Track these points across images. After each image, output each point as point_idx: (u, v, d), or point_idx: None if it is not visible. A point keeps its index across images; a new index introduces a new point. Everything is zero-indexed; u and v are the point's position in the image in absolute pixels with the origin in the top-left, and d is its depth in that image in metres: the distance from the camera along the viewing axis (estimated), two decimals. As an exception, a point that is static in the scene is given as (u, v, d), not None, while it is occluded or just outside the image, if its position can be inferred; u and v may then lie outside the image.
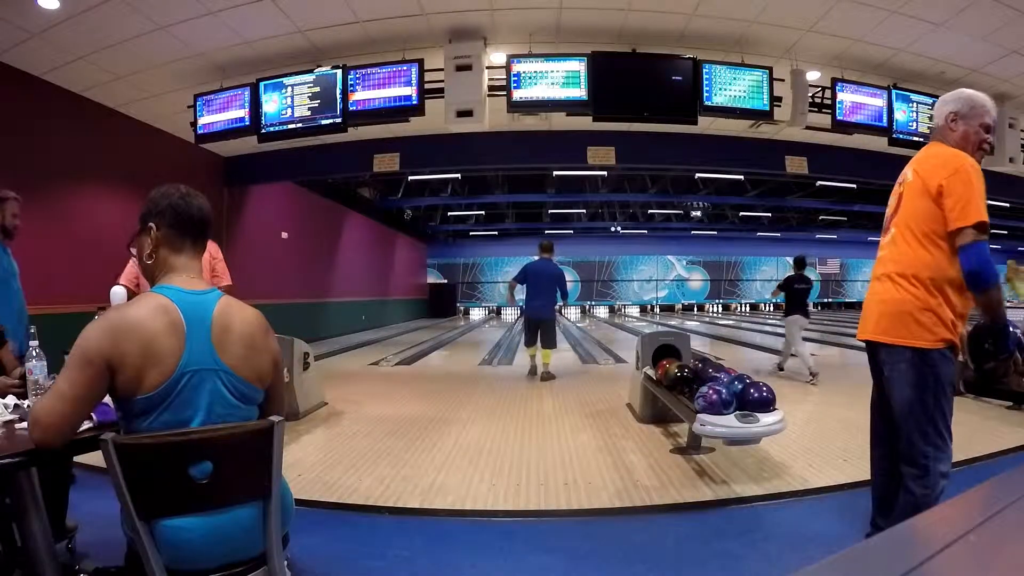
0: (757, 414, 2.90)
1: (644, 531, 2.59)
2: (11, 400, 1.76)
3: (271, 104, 5.79)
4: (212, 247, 3.46)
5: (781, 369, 7.06)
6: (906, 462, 1.91)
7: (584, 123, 6.09)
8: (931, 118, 2.23)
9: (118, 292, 2.07)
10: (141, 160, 6.92)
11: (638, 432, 4.21)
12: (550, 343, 6.71)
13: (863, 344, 2.13)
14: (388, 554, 2.38)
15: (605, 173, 12.63)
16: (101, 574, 2.05)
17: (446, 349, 11.17)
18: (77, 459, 2.87)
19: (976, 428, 4.26)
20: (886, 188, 2.30)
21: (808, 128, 6.04)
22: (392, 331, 14.81)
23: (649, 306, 25.61)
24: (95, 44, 5.10)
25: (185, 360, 1.29)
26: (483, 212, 18.40)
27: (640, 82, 5.53)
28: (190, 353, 1.30)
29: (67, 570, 2.02)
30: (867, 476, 2.21)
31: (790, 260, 7.27)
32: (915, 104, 6.26)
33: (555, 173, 11.76)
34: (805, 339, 7.25)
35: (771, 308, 24.64)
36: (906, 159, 2.13)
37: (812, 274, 26.95)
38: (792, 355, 6.88)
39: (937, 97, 6.40)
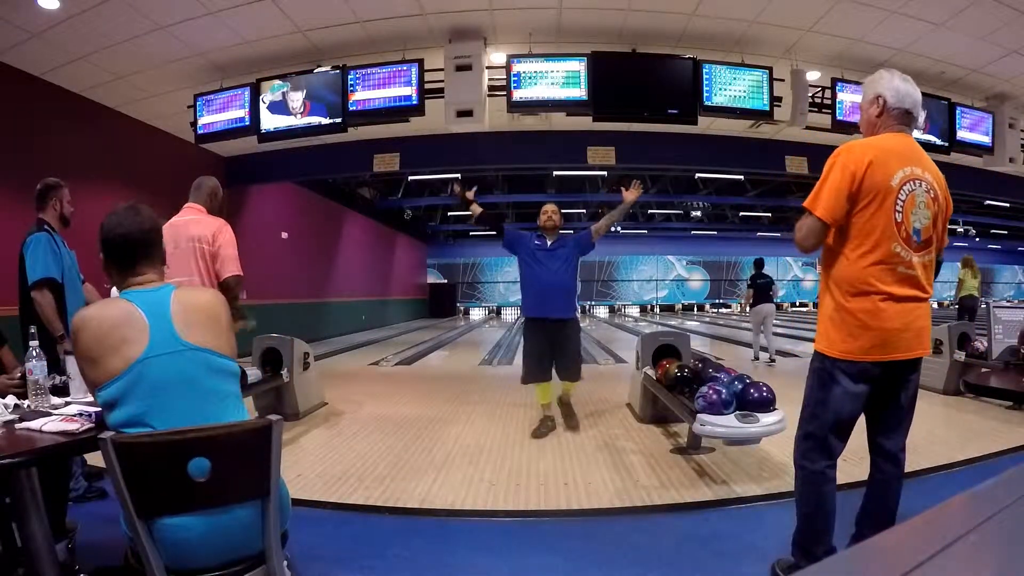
0: (757, 414, 2.90)
1: (644, 531, 2.59)
2: (11, 400, 1.75)
3: (271, 104, 5.79)
4: (210, 229, 2.88)
5: (756, 359, 7.98)
6: (902, 446, 2.01)
7: (584, 123, 6.09)
8: (902, 106, 1.90)
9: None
10: (141, 160, 6.93)
11: (638, 432, 4.21)
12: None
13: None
14: (388, 554, 2.38)
15: (605, 173, 12.61)
16: (101, 574, 2.05)
17: (446, 349, 11.17)
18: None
19: (976, 428, 4.26)
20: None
21: (808, 128, 6.04)
22: (392, 331, 14.82)
23: (649, 306, 25.60)
24: (95, 44, 5.10)
25: (150, 347, 1.34)
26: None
27: (640, 82, 5.53)
28: (154, 342, 1.35)
29: (67, 570, 2.02)
30: (866, 476, 2.20)
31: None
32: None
33: (555, 173, 11.77)
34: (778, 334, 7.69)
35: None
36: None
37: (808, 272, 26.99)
38: (763, 347, 8.08)
39: (937, 98, 6.46)
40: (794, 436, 2.07)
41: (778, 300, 8.49)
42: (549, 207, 4.20)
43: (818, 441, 1.95)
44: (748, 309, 8.37)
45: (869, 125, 1.96)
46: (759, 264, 8.20)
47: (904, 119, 1.91)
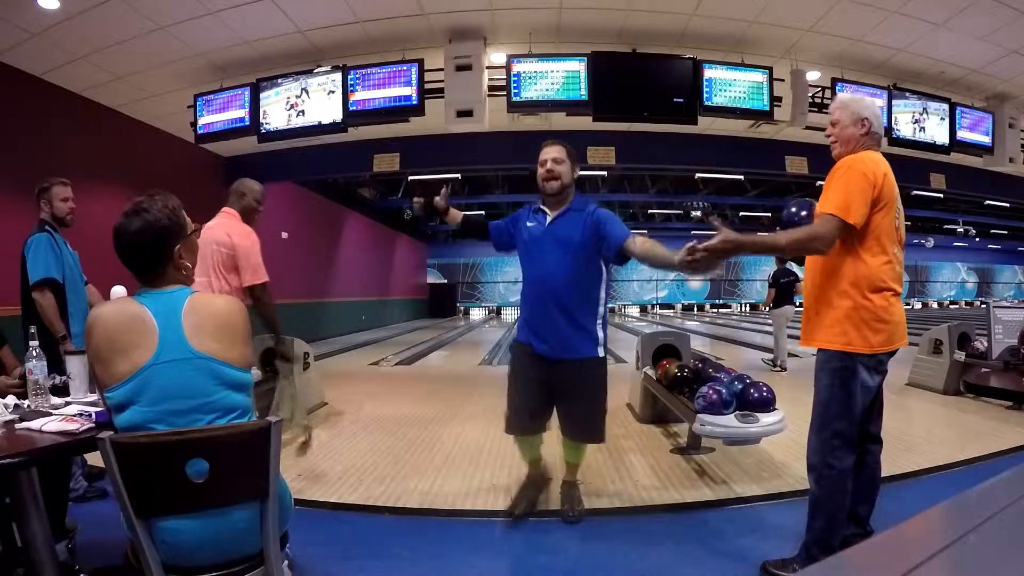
0: (757, 414, 2.90)
1: (644, 531, 2.59)
2: (11, 400, 1.75)
3: (271, 104, 5.79)
4: (227, 232, 2.94)
5: (783, 368, 7.14)
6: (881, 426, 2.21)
7: (584, 123, 6.09)
8: (866, 119, 2.07)
9: (118, 291, 2.06)
10: (141, 160, 6.92)
11: (638, 432, 4.21)
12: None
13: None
14: (388, 554, 2.38)
15: (605, 173, 12.61)
16: (101, 574, 2.05)
17: (446, 349, 11.17)
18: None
19: (976, 428, 4.26)
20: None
21: (808, 128, 6.04)
22: (392, 331, 14.82)
23: (649, 306, 25.61)
24: (95, 44, 5.10)
25: (158, 353, 1.32)
26: (483, 212, 18.36)
27: (640, 82, 5.53)
28: (163, 346, 1.33)
29: (67, 570, 2.02)
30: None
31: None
32: (915, 104, 6.26)
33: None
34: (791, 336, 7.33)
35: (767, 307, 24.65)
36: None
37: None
38: (770, 350, 7.30)
39: (938, 98, 6.46)
40: (812, 440, 2.08)
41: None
42: (552, 150, 2.52)
43: (845, 439, 2.02)
44: (768, 310, 7.39)
45: (853, 142, 2.08)
46: (782, 258, 7.01)
47: (879, 141, 2.13)
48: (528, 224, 2.58)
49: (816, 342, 2.06)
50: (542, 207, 2.59)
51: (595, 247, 2.46)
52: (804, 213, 2.10)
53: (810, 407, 2.11)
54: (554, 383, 2.52)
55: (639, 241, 2.42)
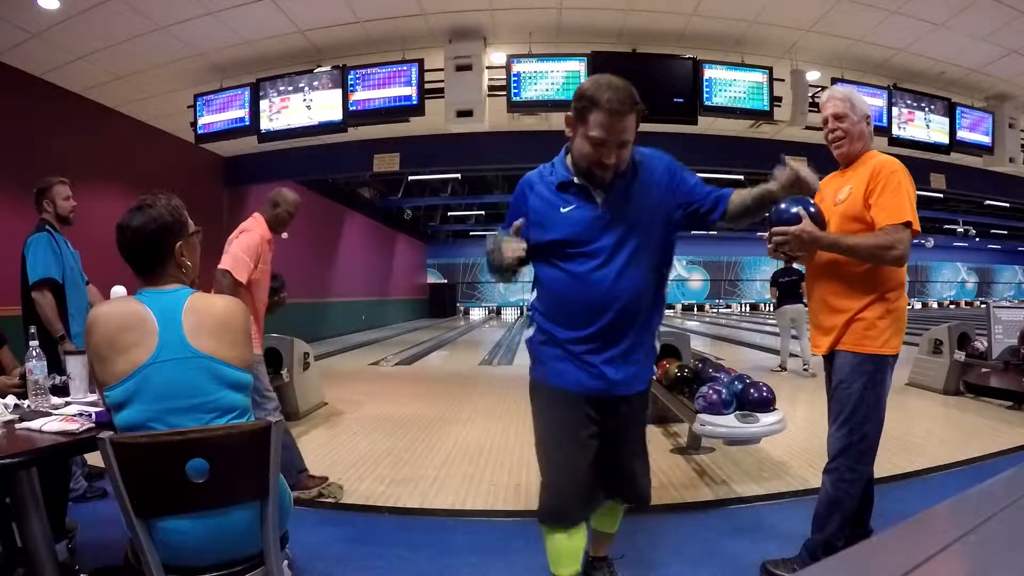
0: (757, 414, 2.90)
1: (644, 531, 2.59)
2: (11, 400, 1.75)
3: (271, 104, 5.79)
4: (236, 231, 3.05)
5: (806, 368, 6.91)
6: None
7: (584, 123, 6.08)
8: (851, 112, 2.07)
9: (118, 291, 2.06)
10: (141, 160, 6.92)
11: (638, 432, 4.21)
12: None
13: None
14: (388, 554, 2.38)
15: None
16: (101, 574, 2.05)
17: (446, 349, 11.18)
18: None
19: (976, 428, 4.26)
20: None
21: (808, 128, 6.03)
22: (392, 331, 14.82)
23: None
24: (95, 44, 5.10)
25: (157, 351, 1.32)
26: (483, 212, 18.38)
27: (640, 82, 5.45)
28: (162, 345, 1.32)
29: (67, 570, 2.02)
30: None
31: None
32: (915, 104, 6.26)
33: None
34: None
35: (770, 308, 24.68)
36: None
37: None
38: (794, 354, 7.14)
39: (938, 98, 6.45)
40: (837, 444, 1.99)
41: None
42: (625, 128, 1.81)
43: (874, 442, 2.00)
44: (772, 310, 7.39)
45: (863, 137, 2.07)
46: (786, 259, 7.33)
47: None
48: (563, 210, 1.73)
49: (847, 345, 1.99)
50: (575, 179, 1.74)
51: (672, 213, 1.77)
52: (795, 210, 1.90)
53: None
54: (609, 430, 1.78)
55: (735, 204, 1.80)
